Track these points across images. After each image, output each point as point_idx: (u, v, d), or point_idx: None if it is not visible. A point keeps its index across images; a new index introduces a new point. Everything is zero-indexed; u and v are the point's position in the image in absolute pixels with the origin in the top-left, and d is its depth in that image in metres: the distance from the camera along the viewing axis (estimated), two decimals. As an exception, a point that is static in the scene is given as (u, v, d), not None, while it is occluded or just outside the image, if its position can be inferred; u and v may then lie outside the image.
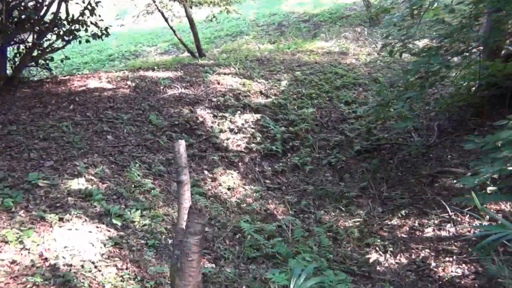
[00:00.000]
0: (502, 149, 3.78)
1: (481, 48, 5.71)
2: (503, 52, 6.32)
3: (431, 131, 6.16)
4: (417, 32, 5.51)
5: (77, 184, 3.75)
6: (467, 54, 5.50)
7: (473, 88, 6.49)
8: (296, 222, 4.33)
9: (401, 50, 5.28)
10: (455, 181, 5.28)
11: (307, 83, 7.11)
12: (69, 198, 3.53)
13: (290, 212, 4.65)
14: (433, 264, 4.19)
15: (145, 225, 3.49)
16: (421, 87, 4.77)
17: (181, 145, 2.13)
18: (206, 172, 4.81)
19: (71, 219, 3.27)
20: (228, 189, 4.68)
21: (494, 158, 3.92)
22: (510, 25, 6.17)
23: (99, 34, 6.55)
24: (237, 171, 5.05)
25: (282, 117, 6.09)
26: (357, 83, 7.48)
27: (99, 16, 6.52)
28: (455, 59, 5.47)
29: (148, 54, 11.72)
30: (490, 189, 3.86)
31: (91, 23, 6.44)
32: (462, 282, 4.01)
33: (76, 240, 3.06)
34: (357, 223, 4.65)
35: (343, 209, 4.86)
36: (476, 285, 3.98)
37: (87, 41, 6.43)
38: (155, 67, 7.16)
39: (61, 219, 3.24)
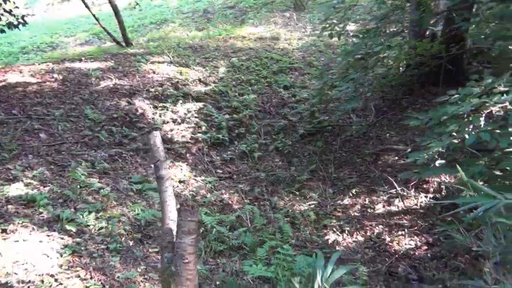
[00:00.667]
0: (448, 123, 3.97)
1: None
2: (427, 32, 6.66)
3: (369, 112, 6.36)
4: (354, 15, 5.62)
5: (15, 189, 3.35)
6: (401, 36, 5.73)
7: (401, 69, 6.79)
8: (255, 210, 4.25)
9: (339, 32, 5.34)
10: (396, 157, 5.51)
11: (245, 69, 7.00)
12: (8, 206, 3.14)
13: (245, 200, 4.55)
14: (388, 239, 4.34)
15: (101, 228, 3.20)
16: (364, 68, 4.86)
17: (157, 137, 1.94)
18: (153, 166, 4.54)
19: (16, 230, 2.91)
20: (180, 182, 4.47)
21: (440, 133, 4.11)
22: (432, 6, 6.50)
23: (15, 23, 5.92)
24: (186, 163, 4.84)
25: (225, 104, 5.94)
26: (292, 67, 7.52)
27: (14, 2, 5.88)
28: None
29: (67, 45, 10.89)
30: (438, 162, 4.04)
31: (5, 10, 5.79)
32: (416, 253, 4.19)
33: (27, 253, 2.72)
34: (312, 206, 4.67)
35: (296, 193, 4.86)
36: (428, 254, 4.18)
37: (2, 31, 5.78)
38: (82, 58, 6.63)
39: (4, 231, 2.87)
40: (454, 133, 3.85)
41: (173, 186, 4.35)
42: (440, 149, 3.88)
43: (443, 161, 4.08)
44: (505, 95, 3.82)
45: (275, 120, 6.06)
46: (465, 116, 3.90)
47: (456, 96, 4.20)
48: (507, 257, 2.37)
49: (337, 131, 6.09)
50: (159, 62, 6.54)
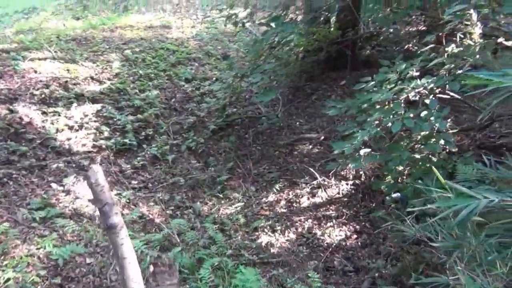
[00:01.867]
0: (370, 111, 3.97)
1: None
2: (321, 18, 6.72)
3: (276, 101, 6.25)
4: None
5: None
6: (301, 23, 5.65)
7: (300, 55, 6.78)
8: (181, 223, 3.84)
9: (245, 21, 5.08)
10: (310, 146, 5.48)
11: (141, 63, 6.39)
12: None
13: (167, 212, 4.11)
14: (319, 232, 4.27)
15: (8, 280, 2.54)
16: (277, 58, 4.68)
17: (98, 172, 1.49)
18: (54, 185, 3.86)
19: None
20: (89, 200, 3.85)
21: (361, 122, 4.11)
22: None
23: None
24: (92, 177, 4.21)
25: (126, 104, 5.33)
26: (191, 58, 7.08)
27: None
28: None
29: None
30: (363, 151, 4.04)
31: None
32: (348, 243, 4.19)
33: None
34: (238, 208, 4.41)
35: (219, 195, 4.55)
36: (359, 243, 4.21)
37: None
38: None
39: None
40: (377, 121, 3.87)
41: (82, 207, 3.74)
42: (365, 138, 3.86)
43: (368, 150, 4.10)
44: (418, 80, 3.92)
45: (183, 117, 5.62)
46: (386, 103, 3.93)
47: (372, 83, 4.23)
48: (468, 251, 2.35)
49: (247, 124, 5.87)
50: (39, 59, 5.62)
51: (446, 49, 3.83)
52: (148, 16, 8.84)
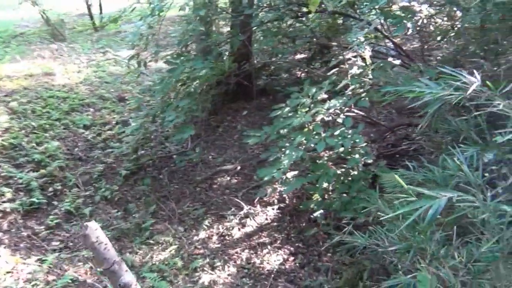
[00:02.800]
0: (292, 135, 4.14)
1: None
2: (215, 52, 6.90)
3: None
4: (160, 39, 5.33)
5: None
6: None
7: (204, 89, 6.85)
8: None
9: (147, 61, 4.99)
10: (228, 178, 5.49)
11: (31, 114, 5.85)
12: None
13: (98, 270, 3.75)
14: (257, 261, 4.25)
15: None
16: (189, 94, 4.66)
17: (97, 229, 1.34)
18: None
19: None
20: (7, 273, 3.35)
21: (284, 146, 4.27)
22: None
23: None
24: (2, 245, 3.68)
25: (24, 160, 4.81)
26: (85, 103, 6.70)
27: None
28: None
29: None
30: (290, 175, 4.19)
31: None
32: (287, 266, 4.24)
33: None
34: (172, 252, 4.21)
35: (149, 242, 4.30)
36: (297, 264, 4.29)
37: None
38: None
39: None
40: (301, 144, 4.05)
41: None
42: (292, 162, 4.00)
43: (295, 172, 4.26)
44: (329, 101, 4.23)
45: (90, 166, 5.25)
46: (306, 126, 4.15)
47: (287, 108, 4.44)
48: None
49: (159, 165, 5.70)
50: None
51: (350, 71, 4.19)
52: (25, 64, 8.15)
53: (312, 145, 3.99)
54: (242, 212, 4.79)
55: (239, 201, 4.91)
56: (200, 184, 5.33)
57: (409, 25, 3.46)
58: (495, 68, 3.37)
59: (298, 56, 7.77)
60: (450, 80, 2.72)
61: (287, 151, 4.06)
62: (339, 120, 4.22)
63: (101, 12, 10.85)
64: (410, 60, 5.15)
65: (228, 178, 5.47)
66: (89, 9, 10.65)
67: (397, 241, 2.78)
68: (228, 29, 7.01)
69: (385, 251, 2.89)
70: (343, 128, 3.95)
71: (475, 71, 2.20)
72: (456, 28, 4.08)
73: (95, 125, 6.14)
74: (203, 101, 5.00)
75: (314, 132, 3.99)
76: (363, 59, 4.72)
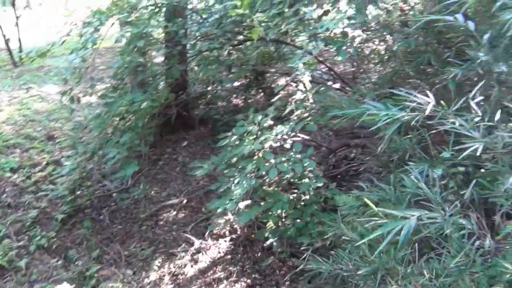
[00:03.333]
0: (242, 164, 4.06)
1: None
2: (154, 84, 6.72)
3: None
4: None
5: None
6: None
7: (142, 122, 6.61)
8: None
9: (85, 94, 4.72)
10: (174, 212, 5.27)
11: None
12: None
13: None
14: (215, 298, 4.08)
15: None
16: (130, 128, 4.45)
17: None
18: None
19: None
20: None
21: (233, 176, 4.17)
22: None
23: None
24: None
25: None
26: (9, 145, 6.19)
27: None
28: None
29: None
30: (244, 204, 4.09)
31: None
32: (248, 300, 4.11)
33: None
34: (123, 299, 3.91)
35: (97, 290, 3.97)
36: (258, 294, 4.16)
37: None
38: None
39: None
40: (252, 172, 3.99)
41: None
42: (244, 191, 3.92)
43: (249, 202, 4.17)
44: (276, 127, 4.22)
45: (22, 213, 4.81)
46: (255, 153, 4.10)
47: (235, 137, 4.37)
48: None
49: (98, 205, 5.36)
50: None
51: (294, 96, 4.23)
52: None
53: (263, 173, 3.96)
54: (193, 248, 4.60)
55: (189, 236, 4.72)
56: (145, 222, 5.06)
57: (350, 50, 3.58)
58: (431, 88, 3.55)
59: (235, 84, 7.78)
60: (391, 101, 2.83)
61: (238, 181, 3.98)
62: (287, 146, 4.22)
63: (20, 47, 10.25)
64: (344, 83, 5.35)
65: (175, 212, 5.25)
66: (7, 43, 10.01)
67: (361, 264, 2.77)
68: (162, 59, 6.88)
69: (350, 275, 2.87)
70: (292, 153, 3.95)
71: (428, 92, 2.29)
72: (388, 52, 4.30)
73: (23, 167, 5.67)
74: (146, 134, 4.80)
75: (264, 159, 3.95)
76: (303, 85, 4.81)
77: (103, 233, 4.86)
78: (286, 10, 3.99)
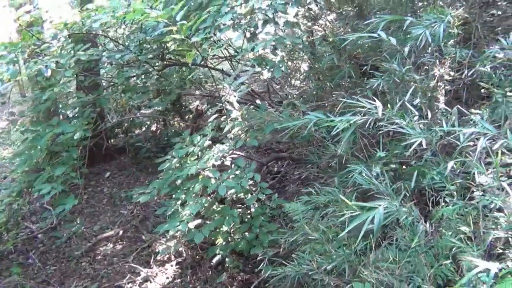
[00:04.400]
0: (190, 184, 4.10)
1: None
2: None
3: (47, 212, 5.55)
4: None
5: None
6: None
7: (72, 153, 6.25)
8: None
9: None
10: (112, 244, 5.07)
11: None
12: None
13: None
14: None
15: None
16: (63, 162, 4.25)
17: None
18: None
19: None
20: None
21: (179, 198, 4.20)
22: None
23: None
24: None
25: None
26: None
27: None
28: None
29: None
30: (195, 224, 4.12)
31: None
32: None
33: None
34: None
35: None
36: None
37: None
38: None
39: None
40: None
41: None
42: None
43: (199, 220, 4.21)
44: (216, 147, 4.36)
45: None
46: (200, 173, 4.18)
47: (175, 159, 4.41)
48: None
49: (23, 248, 4.98)
50: None
51: (232, 116, 4.41)
52: None
53: (210, 191, 4.06)
54: (140, 277, 4.49)
55: (133, 265, 4.59)
56: (81, 259, 4.82)
57: (283, 68, 3.87)
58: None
59: (150, 110, 7.73)
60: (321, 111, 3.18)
61: (187, 202, 4.02)
62: (227, 163, 4.38)
63: None
64: (262, 100, 5.67)
65: (111, 245, 5.07)
66: None
67: (325, 261, 2.99)
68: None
69: (314, 273, 3.08)
70: (236, 169, 4.11)
71: (375, 98, 2.64)
72: (310, 70, 4.71)
73: None
74: (80, 166, 4.57)
75: (212, 178, 4.06)
76: (232, 105, 5.03)
77: (37, 276, 4.52)
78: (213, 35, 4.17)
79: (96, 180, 6.40)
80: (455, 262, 2.38)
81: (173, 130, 6.98)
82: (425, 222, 2.70)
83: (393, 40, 3.04)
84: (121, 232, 5.20)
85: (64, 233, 5.16)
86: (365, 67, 3.82)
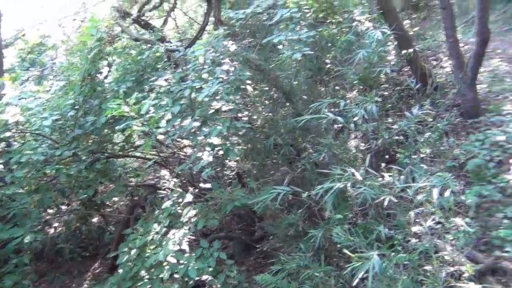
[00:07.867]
0: (156, 273, 4.05)
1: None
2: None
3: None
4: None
5: None
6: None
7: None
8: None
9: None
10: None
11: None
12: None
13: None
14: None
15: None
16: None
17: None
18: None
19: None
20: None
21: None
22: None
23: None
24: None
25: None
26: None
27: None
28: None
29: None
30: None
31: None
32: None
33: None
34: None
35: None
36: None
37: None
38: None
39: None
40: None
41: None
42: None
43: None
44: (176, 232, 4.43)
45: None
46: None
47: (134, 250, 4.36)
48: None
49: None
50: None
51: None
52: None
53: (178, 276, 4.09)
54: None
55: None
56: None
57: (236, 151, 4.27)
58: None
59: (63, 208, 7.29)
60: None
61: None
62: (184, 247, 4.46)
63: None
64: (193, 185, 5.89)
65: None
66: None
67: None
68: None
69: None
70: (202, 249, 4.24)
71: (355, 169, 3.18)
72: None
73: None
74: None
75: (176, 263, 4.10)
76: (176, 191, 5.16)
77: None
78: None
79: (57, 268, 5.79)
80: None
81: (97, 226, 6.69)
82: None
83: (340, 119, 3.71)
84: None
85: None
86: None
